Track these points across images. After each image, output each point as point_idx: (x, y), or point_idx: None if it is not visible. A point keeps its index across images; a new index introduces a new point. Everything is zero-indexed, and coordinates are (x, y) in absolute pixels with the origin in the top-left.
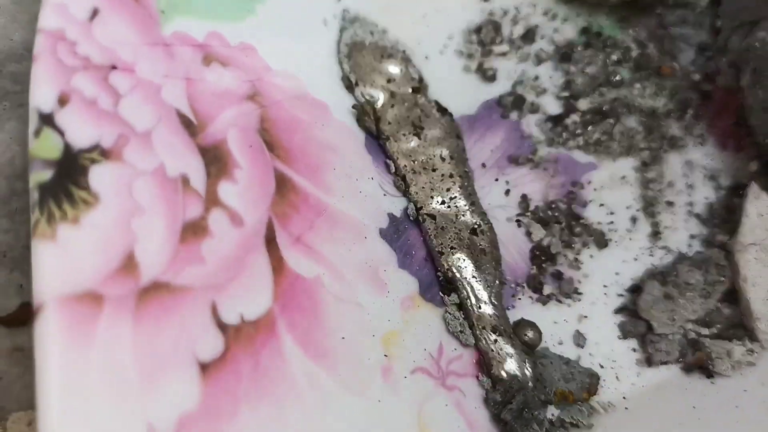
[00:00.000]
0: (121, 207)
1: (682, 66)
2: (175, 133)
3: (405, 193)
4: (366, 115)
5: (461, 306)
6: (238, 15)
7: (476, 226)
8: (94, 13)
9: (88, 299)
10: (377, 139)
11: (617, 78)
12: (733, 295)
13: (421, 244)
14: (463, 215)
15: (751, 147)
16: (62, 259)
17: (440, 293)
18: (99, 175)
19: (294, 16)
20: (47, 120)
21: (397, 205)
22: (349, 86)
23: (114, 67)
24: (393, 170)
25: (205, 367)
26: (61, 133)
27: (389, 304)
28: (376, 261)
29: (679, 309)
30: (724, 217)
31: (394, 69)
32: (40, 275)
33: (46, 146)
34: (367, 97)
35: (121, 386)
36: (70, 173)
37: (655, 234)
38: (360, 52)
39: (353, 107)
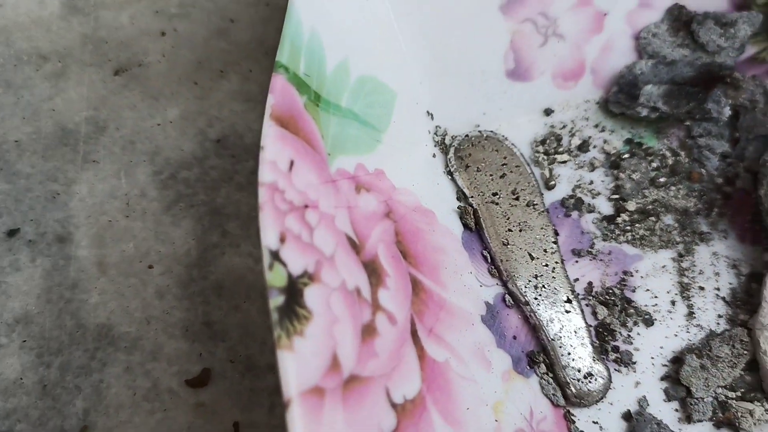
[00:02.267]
0: (326, 318)
1: (708, 172)
2: (347, 253)
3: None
4: (467, 215)
5: (553, 371)
6: (373, 146)
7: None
8: (291, 164)
9: (316, 392)
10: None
11: (659, 181)
12: (754, 365)
13: (509, 326)
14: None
15: (765, 241)
16: (298, 363)
17: (527, 366)
18: (310, 295)
19: (405, 138)
20: (275, 256)
21: (490, 293)
22: (462, 197)
23: (306, 206)
24: (490, 260)
25: None
26: (284, 265)
27: (494, 378)
28: (482, 343)
29: (712, 377)
30: (745, 300)
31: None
32: (287, 377)
33: (277, 277)
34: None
35: None
36: (295, 296)
37: (690, 314)
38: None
39: (458, 208)
